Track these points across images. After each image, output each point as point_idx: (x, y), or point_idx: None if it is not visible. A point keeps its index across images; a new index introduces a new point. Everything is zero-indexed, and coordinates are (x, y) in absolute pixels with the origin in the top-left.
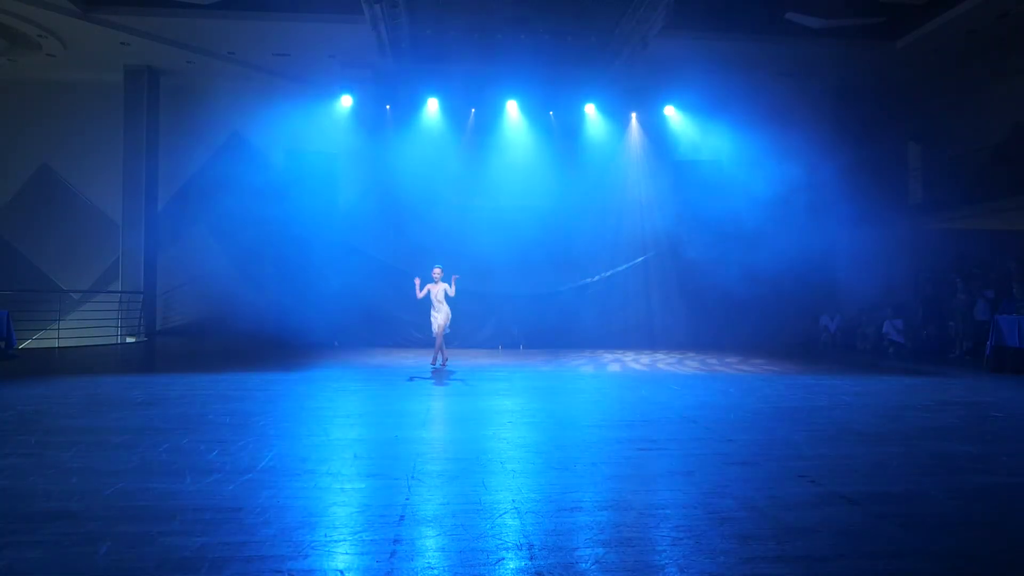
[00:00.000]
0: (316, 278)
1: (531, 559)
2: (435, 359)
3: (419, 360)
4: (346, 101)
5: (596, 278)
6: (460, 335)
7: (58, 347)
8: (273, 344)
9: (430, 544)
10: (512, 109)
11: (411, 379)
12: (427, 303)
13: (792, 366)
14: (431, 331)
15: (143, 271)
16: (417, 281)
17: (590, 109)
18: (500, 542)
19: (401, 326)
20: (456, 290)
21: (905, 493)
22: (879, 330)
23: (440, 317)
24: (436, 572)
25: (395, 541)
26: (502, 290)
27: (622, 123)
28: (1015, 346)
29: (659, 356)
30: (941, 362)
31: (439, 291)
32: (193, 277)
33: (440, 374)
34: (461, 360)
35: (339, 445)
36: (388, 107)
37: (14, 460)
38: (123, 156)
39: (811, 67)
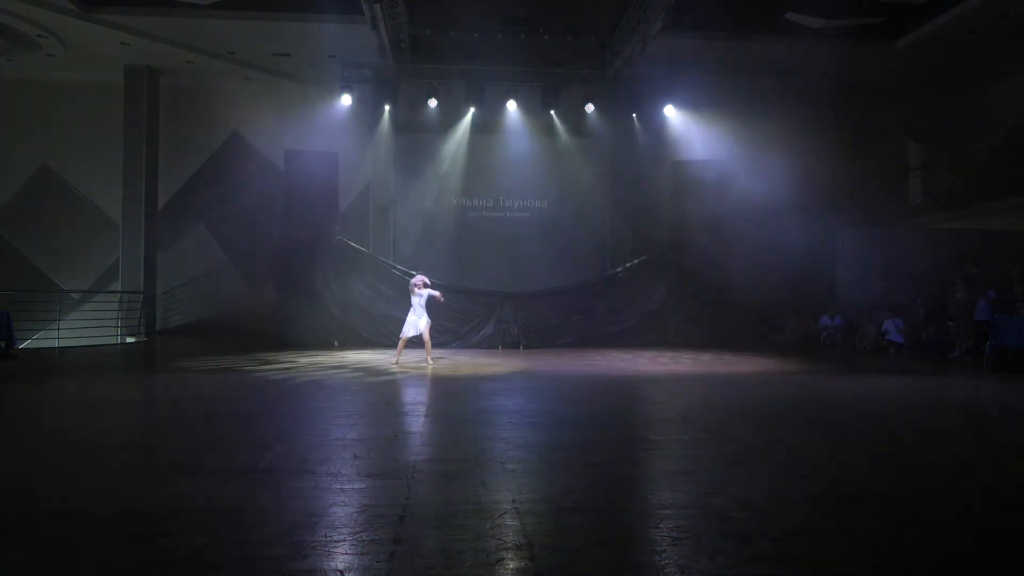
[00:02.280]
0: (316, 278)
1: (531, 559)
2: (427, 358)
3: (419, 360)
4: (346, 101)
5: (597, 278)
6: (460, 335)
7: (58, 347)
8: (273, 344)
9: (430, 544)
10: (512, 109)
11: (411, 379)
12: (408, 305)
13: (792, 366)
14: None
15: (143, 271)
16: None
17: (590, 109)
18: (500, 542)
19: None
20: (423, 299)
21: (905, 493)
22: (879, 330)
23: (421, 322)
24: (436, 572)
25: (395, 541)
26: (502, 290)
27: (622, 123)
28: (1015, 346)
29: (659, 356)
30: (941, 362)
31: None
32: (193, 277)
33: (438, 373)
34: (461, 360)
35: (339, 445)
36: (388, 107)
37: (14, 460)
38: (123, 156)
39: (811, 67)
